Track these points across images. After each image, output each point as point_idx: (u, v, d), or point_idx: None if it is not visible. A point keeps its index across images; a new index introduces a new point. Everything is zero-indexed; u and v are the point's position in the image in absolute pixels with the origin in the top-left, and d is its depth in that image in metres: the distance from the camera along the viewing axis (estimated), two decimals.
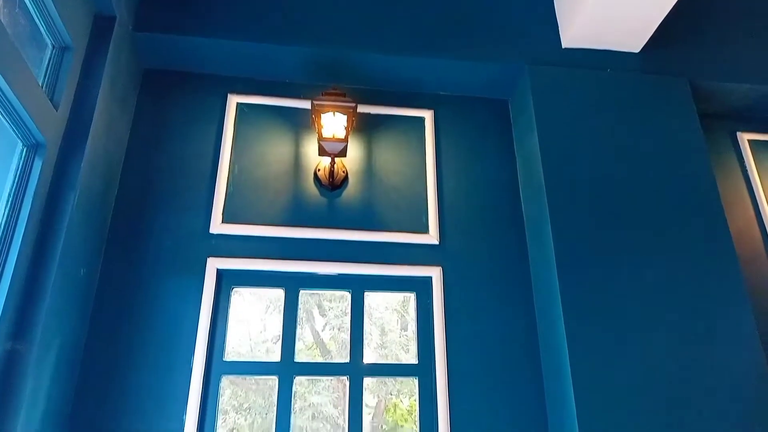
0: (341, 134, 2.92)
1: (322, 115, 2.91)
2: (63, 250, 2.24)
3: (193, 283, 2.75)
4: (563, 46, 3.30)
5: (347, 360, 2.81)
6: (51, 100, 2.30)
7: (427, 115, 3.36)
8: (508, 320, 2.91)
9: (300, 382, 7.01)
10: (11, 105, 2.02)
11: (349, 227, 3.00)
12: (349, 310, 2.92)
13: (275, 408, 2.67)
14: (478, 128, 3.38)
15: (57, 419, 2.32)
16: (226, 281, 2.84)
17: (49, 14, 2.30)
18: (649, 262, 2.77)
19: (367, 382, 2.81)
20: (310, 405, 7.61)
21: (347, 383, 2.75)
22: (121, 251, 2.77)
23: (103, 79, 2.59)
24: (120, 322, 2.63)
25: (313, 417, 7.59)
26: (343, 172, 3.10)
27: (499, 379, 2.78)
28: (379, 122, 3.30)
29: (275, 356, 2.77)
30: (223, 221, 2.90)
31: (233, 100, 3.20)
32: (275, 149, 3.14)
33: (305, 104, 3.21)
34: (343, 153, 2.97)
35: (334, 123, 2.91)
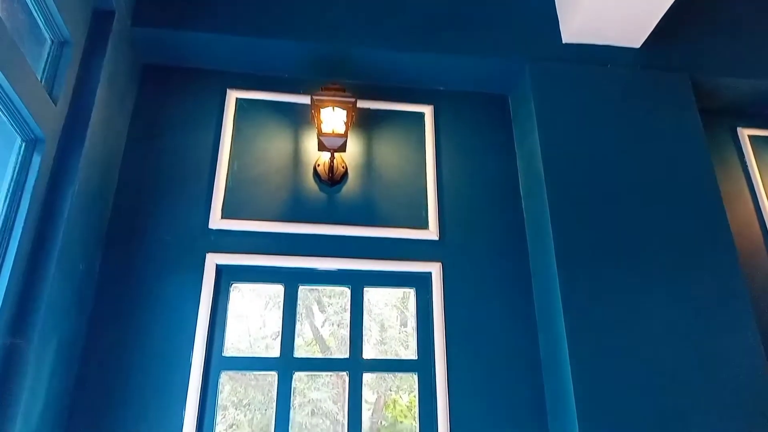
0: (341, 129, 2.92)
1: (321, 110, 2.91)
2: (62, 245, 2.23)
3: (192, 279, 2.75)
4: (563, 42, 3.29)
5: (347, 356, 2.81)
6: (50, 95, 2.29)
7: (427, 111, 3.35)
8: (507, 316, 2.91)
9: (299, 378, 7.02)
10: (10, 100, 2.01)
11: (349, 223, 3.00)
12: (348, 306, 2.92)
13: (274, 404, 2.67)
14: (478, 124, 3.37)
15: (56, 414, 2.32)
16: (226, 277, 2.84)
17: (48, 9, 2.29)
18: (649, 258, 2.77)
19: (367, 378, 2.81)
20: (309, 401, 7.62)
21: (347, 379, 2.75)
22: (121, 246, 2.76)
23: (102, 74, 2.58)
24: (119, 317, 2.63)
25: (313, 413, 7.60)
26: (343, 167, 3.10)
27: (498, 375, 2.78)
28: (379, 117, 3.30)
29: (275, 352, 2.77)
30: (223, 217, 2.90)
31: (232, 96, 3.20)
32: (274, 144, 3.13)
33: (305, 99, 3.20)
34: (342, 148, 2.97)
35: (333, 118, 2.90)
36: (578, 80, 3.18)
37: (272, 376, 2.73)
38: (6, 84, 1.94)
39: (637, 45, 3.32)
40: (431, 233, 3.03)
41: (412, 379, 3.30)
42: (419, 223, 3.06)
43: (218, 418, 2.59)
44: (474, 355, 2.81)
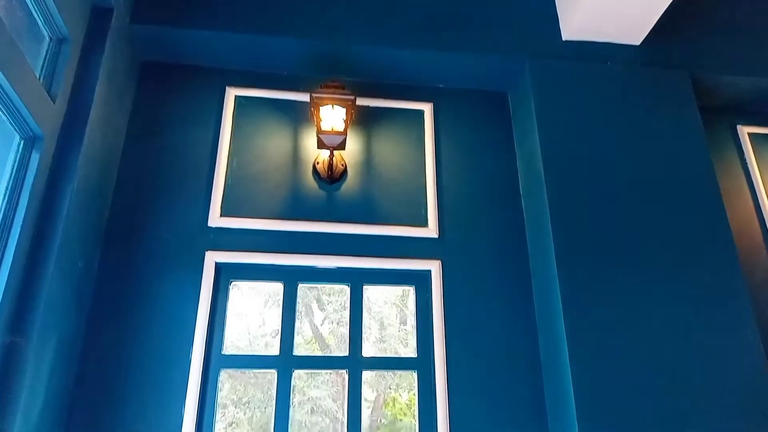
0: (340, 127, 2.91)
1: (320, 107, 2.90)
2: (61, 243, 2.23)
3: (192, 277, 2.75)
4: (563, 39, 3.28)
5: (346, 353, 2.81)
6: (48, 92, 2.29)
7: (427, 108, 3.35)
8: (507, 314, 2.91)
9: (299, 376, 7.02)
10: (8, 97, 2.01)
11: (348, 220, 2.99)
12: (348, 305, 2.92)
13: (274, 402, 2.67)
14: (477, 121, 3.37)
15: (56, 412, 2.32)
16: (225, 275, 2.83)
17: (47, 6, 2.28)
18: (649, 256, 2.76)
19: (366, 376, 2.81)
20: (309, 399, 7.62)
21: (346, 377, 2.75)
22: (119, 244, 2.76)
23: (101, 71, 2.57)
24: (118, 315, 2.63)
25: (312, 411, 7.60)
26: (342, 165, 3.09)
27: (498, 373, 2.78)
28: (378, 115, 3.29)
29: (274, 350, 2.78)
30: (222, 215, 2.90)
31: (231, 93, 3.19)
32: (274, 142, 3.12)
33: (304, 97, 3.20)
34: (341, 146, 2.97)
35: (332, 116, 2.90)
36: (578, 78, 3.17)
37: (272, 374, 2.73)
38: (5, 82, 1.93)
39: (637, 42, 3.32)
40: (431, 231, 3.03)
41: (411, 377, 3.30)
42: (419, 221, 3.05)
43: (218, 416, 2.59)
44: (473, 353, 2.80)
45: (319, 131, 2.92)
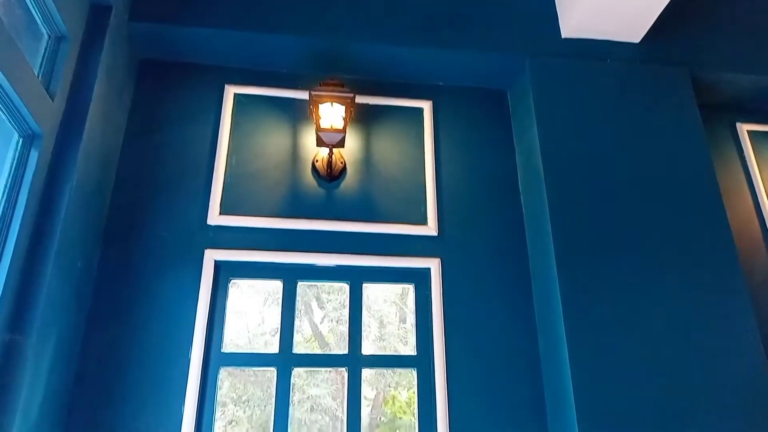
0: (339, 125, 2.91)
1: (320, 105, 2.90)
2: (60, 241, 2.23)
3: (191, 275, 2.74)
4: (563, 37, 3.28)
5: (346, 351, 2.80)
6: (47, 90, 2.29)
7: (426, 106, 3.35)
8: (506, 312, 2.91)
9: (298, 375, 7.02)
10: (7, 95, 2.00)
11: (348, 218, 2.99)
12: (347, 303, 2.91)
13: (273, 400, 2.66)
14: (476, 119, 3.37)
15: (55, 409, 2.31)
16: (224, 273, 2.83)
17: (45, 4, 2.27)
18: (648, 253, 2.76)
19: (366, 374, 2.81)
20: (308, 397, 7.62)
21: (345, 375, 2.75)
22: (119, 243, 2.75)
23: (100, 69, 2.57)
24: (118, 314, 2.63)
25: (312, 409, 7.61)
26: (341, 163, 3.09)
27: (497, 370, 2.78)
28: (378, 113, 3.29)
29: (273, 348, 2.77)
30: (221, 212, 2.89)
31: (230, 91, 3.18)
32: (273, 140, 3.12)
33: (303, 95, 3.19)
34: (341, 144, 2.96)
35: (332, 113, 2.90)
36: (577, 75, 3.17)
37: (271, 372, 2.73)
38: (3, 80, 1.93)
39: (637, 40, 3.31)
40: (430, 229, 3.03)
41: (411, 376, 3.31)
42: (418, 219, 3.05)
43: (217, 414, 2.59)
44: (473, 351, 2.80)
45: (318, 129, 2.91)
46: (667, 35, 3.36)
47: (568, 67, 3.18)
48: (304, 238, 2.92)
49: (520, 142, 3.23)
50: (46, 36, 2.39)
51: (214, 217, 2.87)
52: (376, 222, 3.00)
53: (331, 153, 3.00)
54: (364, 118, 3.25)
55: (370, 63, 3.25)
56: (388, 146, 3.21)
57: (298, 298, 2.88)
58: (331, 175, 3.05)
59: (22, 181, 2.13)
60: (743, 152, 3.51)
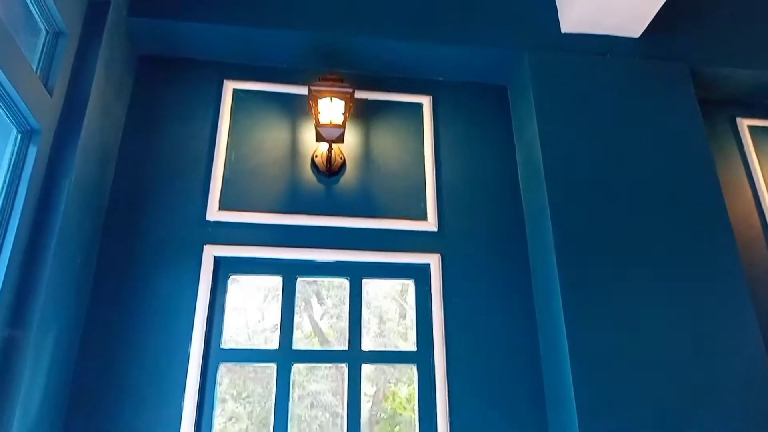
0: (338, 120, 2.90)
1: (319, 100, 2.89)
2: (59, 237, 2.23)
3: (190, 271, 2.74)
4: (563, 31, 3.27)
5: (346, 347, 2.80)
6: (45, 86, 2.28)
7: (425, 101, 3.34)
8: (506, 307, 2.90)
9: (298, 371, 7.02)
10: (5, 91, 2.00)
11: (347, 214, 2.99)
12: (347, 299, 2.91)
13: (273, 396, 2.66)
14: (476, 114, 3.36)
15: (55, 404, 2.31)
16: (224, 269, 2.83)
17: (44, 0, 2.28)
18: (648, 247, 2.76)
19: (366, 370, 2.80)
20: (308, 393, 7.62)
21: (346, 371, 2.75)
22: (118, 238, 2.75)
23: (98, 64, 2.56)
24: (117, 310, 2.62)
25: (312, 405, 7.60)
26: (341, 158, 3.08)
27: (497, 366, 2.78)
28: (377, 108, 3.28)
29: (273, 345, 2.77)
30: (220, 208, 2.89)
31: (229, 87, 3.18)
32: (272, 135, 3.11)
33: (302, 90, 3.18)
34: (340, 139, 2.96)
35: (331, 109, 2.89)
36: (577, 70, 3.16)
37: (271, 368, 2.73)
38: (1, 75, 1.93)
39: (637, 35, 3.30)
40: (430, 224, 3.02)
41: (411, 372, 3.30)
42: (418, 215, 3.05)
43: (217, 410, 2.59)
44: (473, 347, 2.80)
45: (318, 124, 2.91)
46: (667, 30, 3.35)
47: (567, 62, 3.18)
48: (304, 233, 2.91)
49: (520, 137, 3.22)
50: (44, 32, 2.39)
51: (214, 213, 2.87)
52: (375, 217, 3.00)
53: (330, 148, 3.00)
54: (363, 113, 3.24)
55: (370, 58, 3.24)
56: (388, 141, 3.21)
57: (297, 294, 2.88)
58: (331, 170, 3.04)
59: (20, 176, 2.13)
60: (743, 147, 3.50)
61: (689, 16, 3.45)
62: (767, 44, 3.47)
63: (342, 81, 2.94)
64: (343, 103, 2.90)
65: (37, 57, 2.33)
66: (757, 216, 3.31)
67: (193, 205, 2.88)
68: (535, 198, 2.97)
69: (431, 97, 3.35)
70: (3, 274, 1.98)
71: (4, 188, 2.08)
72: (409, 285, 3.01)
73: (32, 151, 2.18)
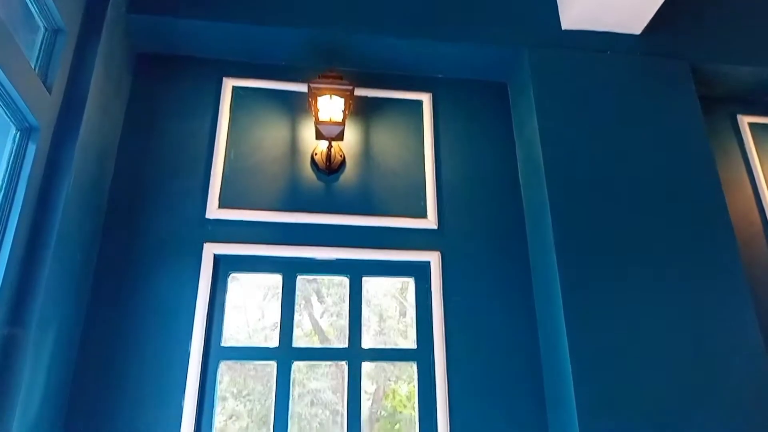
0: (338, 118, 2.90)
1: (318, 98, 2.88)
2: (58, 235, 2.22)
3: (190, 269, 2.74)
4: (563, 28, 3.26)
5: (346, 345, 2.80)
6: (44, 83, 2.27)
7: (425, 98, 3.33)
8: (506, 305, 2.90)
9: (299, 369, 7.02)
10: (4, 89, 1.99)
11: (347, 212, 2.98)
12: (347, 297, 2.91)
13: (274, 394, 2.66)
14: (476, 111, 3.35)
15: (55, 403, 2.31)
16: (224, 267, 2.82)
17: None
18: (648, 245, 2.76)
19: (366, 368, 2.80)
20: (309, 391, 7.62)
21: (346, 369, 2.75)
22: (117, 236, 2.75)
23: (97, 62, 2.55)
24: (117, 308, 2.62)
25: (312, 403, 7.60)
26: (340, 156, 3.08)
27: (497, 364, 2.77)
28: (377, 105, 3.27)
29: (273, 343, 2.77)
30: (220, 206, 2.88)
31: (229, 84, 3.17)
32: (271, 133, 3.11)
33: (302, 87, 3.18)
34: (340, 137, 2.95)
35: (331, 106, 2.88)
36: (578, 67, 3.16)
37: (271, 366, 2.73)
38: (0, 73, 1.91)
39: (637, 32, 3.30)
40: (430, 222, 3.02)
41: (411, 370, 3.30)
42: (418, 212, 3.04)
43: (217, 408, 2.58)
44: (473, 345, 2.80)
45: (317, 122, 2.90)
46: (668, 27, 3.34)
47: (568, 59, 3.17)
48: (304, 231, 2.91)
49: (521, 134, 3.21)
50: (43, 29, 2.38)
51: (213, 211, 2.86)
52: (375, 215, 2.99)
53: (330, 146, 2.99)
54: (363, 110, 3.24)
55: (370, 55, 3.23)
56: (388, 139, 3.20)
57: (297, 292, 2.88)
58: (330, 168, 3.04)
59: (19, 174, 2.13)
60: (744, 144, 3.50)
61: (690, 13, 3.44)
62: None
63: (342, 78, 2.93)
64: (342, 100, 2.89)
65: (36, 54, 2.33)
66: (758, 213, 3.30)
67: (193, 203, 2.87)
68: (536, 195, 2.96)
69: (431, 94, 3.35)
70: (2, 273, 1.98)
71: (3, 186, 2.07)
72: (409, 283, 3.01)
73: (31, 149, 2.17)
